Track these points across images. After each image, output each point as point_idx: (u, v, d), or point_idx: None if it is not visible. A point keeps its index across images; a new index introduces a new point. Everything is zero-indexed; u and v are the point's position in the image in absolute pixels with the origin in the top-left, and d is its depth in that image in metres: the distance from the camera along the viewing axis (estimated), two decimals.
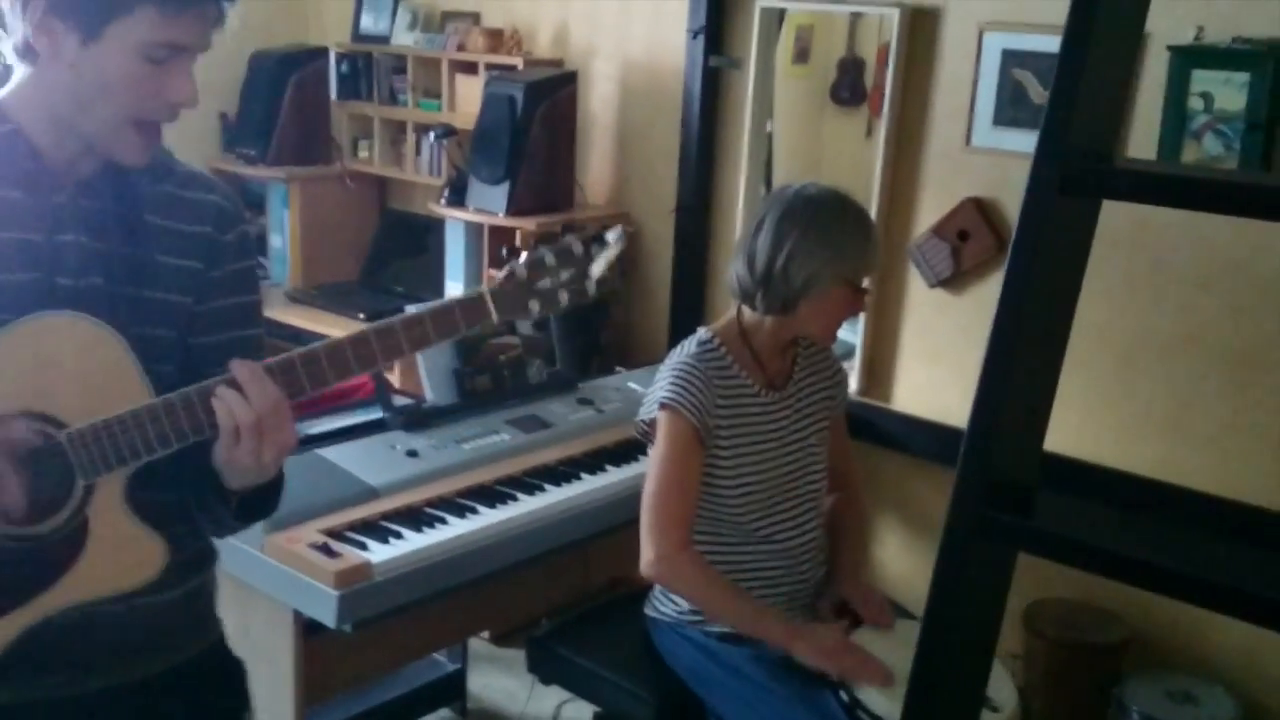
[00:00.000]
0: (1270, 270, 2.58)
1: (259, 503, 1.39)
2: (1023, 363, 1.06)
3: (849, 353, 3.20)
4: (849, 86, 3.44)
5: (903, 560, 3.23)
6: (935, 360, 3.10)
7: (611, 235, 1.44)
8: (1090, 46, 1.05)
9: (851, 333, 3.25)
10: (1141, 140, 2.66)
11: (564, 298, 1.40)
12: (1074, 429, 2.86)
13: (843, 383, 2.39)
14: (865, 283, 2.18)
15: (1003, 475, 1.07)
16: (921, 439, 3.11)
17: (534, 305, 1.39)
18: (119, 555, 1.29)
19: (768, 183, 3.49)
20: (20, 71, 1.30)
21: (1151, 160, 1.16)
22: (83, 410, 1.25)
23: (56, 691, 1.35)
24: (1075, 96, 1.04)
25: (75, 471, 1.25)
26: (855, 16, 3.28)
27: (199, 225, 1.39)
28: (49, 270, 1.28)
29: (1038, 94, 2.84)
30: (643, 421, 2.20)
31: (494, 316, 1.36)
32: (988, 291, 2.99)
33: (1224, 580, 1.01)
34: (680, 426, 2.11)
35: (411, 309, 1.37)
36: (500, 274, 1.39)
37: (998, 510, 1.05)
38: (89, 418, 1.25)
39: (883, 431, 3.17)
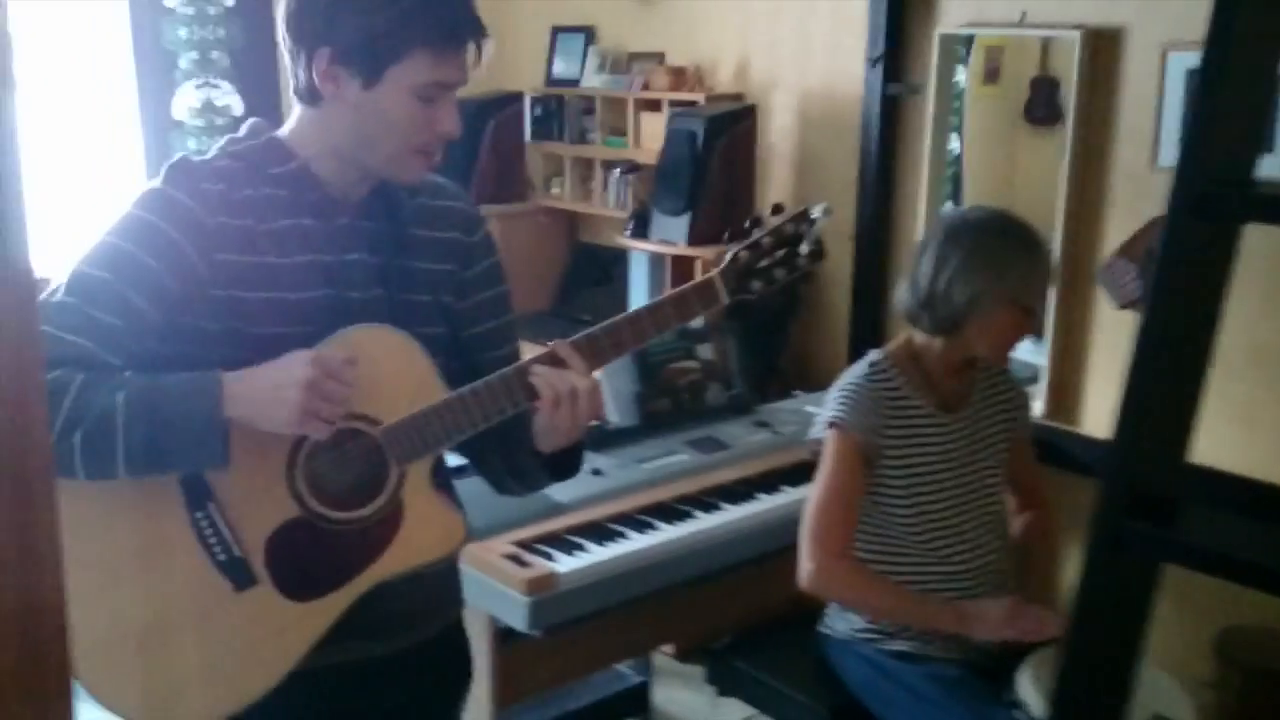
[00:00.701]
0: None
1: (570, 461, 1.56)
2: (1164, 379, 1.09)
3: (1034, 375, 3.17)
4: (1044, 105, 3.41)
5: None
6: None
7: (817, 211, 1.55)
8: (1230, 67, 1.08)
9: (1038, 355, 3.22)
10: None
11: (780, 274, 1.53)
12: (1265, 449, 2.76)
13: (1024, 406, 2.38)
14: (1032, 303, 2.18)
15: (1145, 487, 1.10)
16: None
17: (756, 284, 1.53)
18: (430, 529, 1.47)
19: (956, 203, 3.50)
20: (300, 112, 1.47)
21: None
22: (393, 408, 1.43)
23: (350, 655, 1.51)
24: (1213, 118, 1.07)
25: (390, 461, 1.43)
26: (1046, 36, 3.27)
27: (450, 231, 1.56)
28: (341, 286, 1.46)
29: None
30: (814, 439, 2.27)
31: (724, 299, 1.50)
32: None
33: None
34: (846, 445, 2.17)
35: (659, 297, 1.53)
36: (725, 259, 1.52)
37: (1138, 521, 1.08)
38: (398, 414, 1.42)
39: (1069, 455, 3.13)
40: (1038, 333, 2.29)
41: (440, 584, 1.64)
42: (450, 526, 1.49)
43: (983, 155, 3.57)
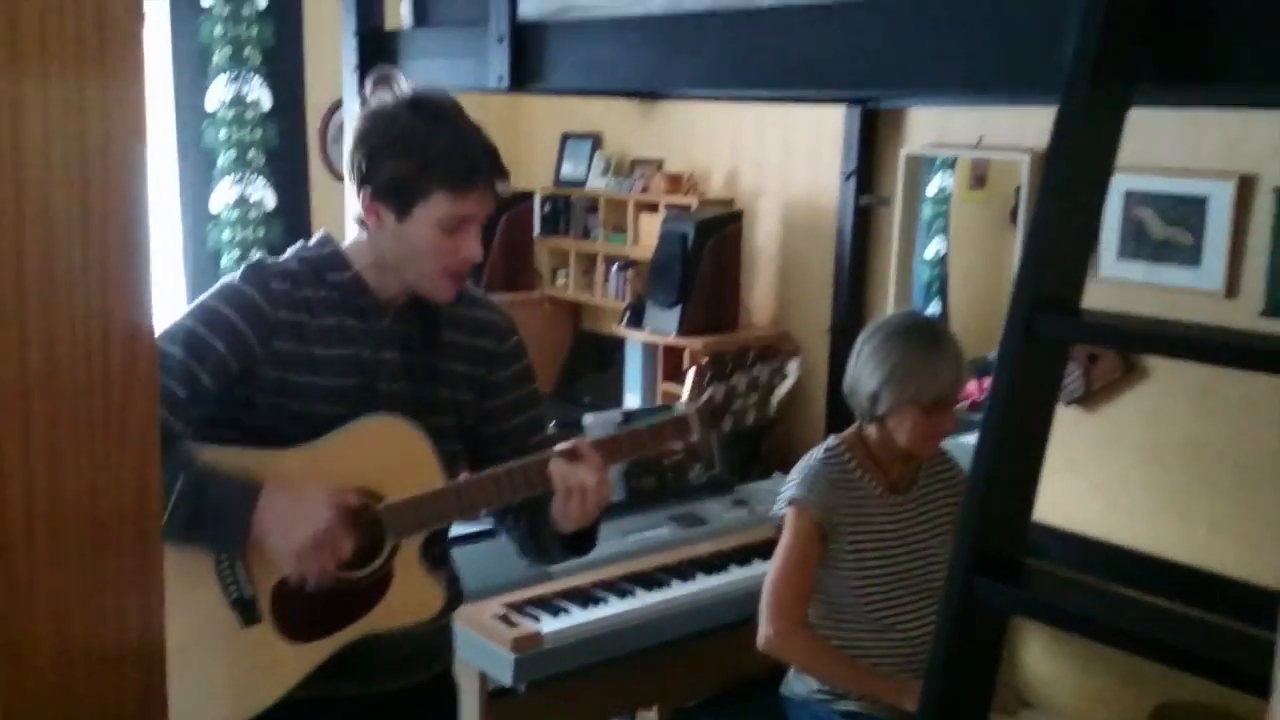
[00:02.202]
0: None
1: (585, 540, 1.82)
2: (1007, 463, 1.37)
3: None
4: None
5: (1045, 663, 3.39)
6: (1072, 473, 3.30)
7: (791, 367, 1.84)
8: (1057, 212, 1.38)
9: None
10: (1253, 272, 2.87)
11: (750, 417, 1.81)
12: (1200, 540, 3.01)
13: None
14: (935, 405, 2.34)
15: (994, 549, 1.38)
16: (1059, 548, 3.29)
17: (727, 423, 1.81)
18: (412, 597, 1.73)
19: (943, 302, 3.78)
20: (357, 231, 1.78)
21: (1108, 312, 1.45)
22: (395, 488, 1.69)
23: (342, 691, 1.76)
24: (1042, 256, 1.37)
25: (386, 533, 1.69)
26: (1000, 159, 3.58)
27: (481, 339, 1.83)
28: (371, 378, 1.73)
29: (1158, 230, 3.07)
30: (776, 516, 2.52)
31: (695, 433, 1.77)
32: (1117, 410, 3.19)
33: (1194, 648, 1.27)
34: (803, 521, 2.41)
35: (584, 429, 1.80)
36: (702, 397, 1.79)
37: (987, 578, 1.36)
38: (399, 494, 1.69)
39: None
40: (952, 429, 2.41)
41: (431, 638, 1.88)
42: (428, 599, 1.74)
43: (968, 257, 3.85)
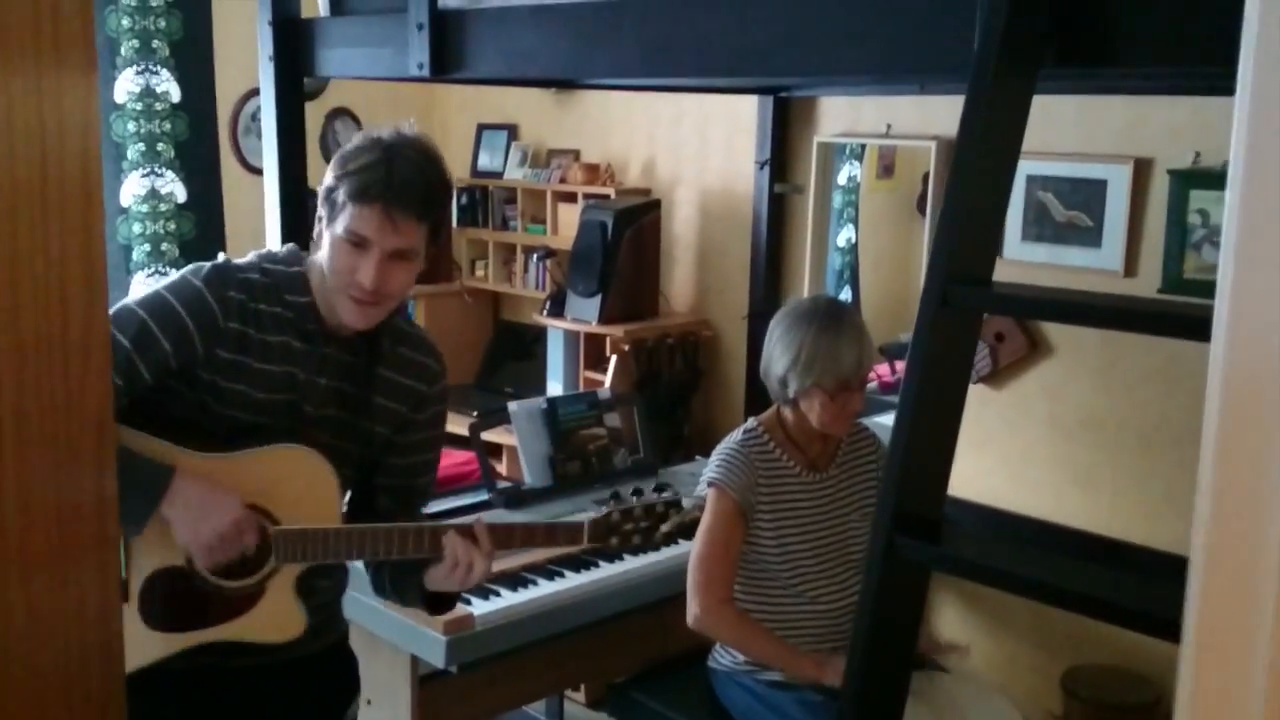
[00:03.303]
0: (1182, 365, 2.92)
1: (448, 602, 1.91)
2: (924, 428, 1.45)
3: None
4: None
5: (958, 628, 3.51)
6: (981, 448, 3.42)
7: (687, 503, 1.95)
8: (967, 189, 1.45)
9: None
10: (1150, 252, 3.01)
11: (636, 540, 1.92)
12: (1105, 509, 3.15)
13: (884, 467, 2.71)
14: (837, 387, 2.40)
15: (914, 509, 1.45)
16: (970, 520, 3.42)
17: (614, 540, 1.90)
18: (275, 618, 1.77)
19: (855, 289, 3.87)
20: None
21: (1018, 284, 1.54)
22: (292, 516, 1.73)
23: (215, 664, 1.79)
24: (956, 231, 1.44)
25: (273, 554, 1.73)
26: (907, 145, 3.69)
27: (413, 381, 1.88)
28: (301, 397, 1.77)
29: (1059, 212, 3.20)
30: (697, 497, 2.58)
31: (584, 542, 1.89)
32: (1023, 386, 3.32)
33: (1084, 591, 1.36)
34: (723, 502, 2.47)
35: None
36: (599, 512, 1.89)
37: (908, 537, 1.43)
38: (294, 523, 1.73)
39: None
40: (859, 409, 2.48)
41: (318, 617, 1.89)
42: (289, 623, 1.78)
43: (877, 244, 3.95)
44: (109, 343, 0.87)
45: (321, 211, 1.75)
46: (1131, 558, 3.07)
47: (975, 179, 1.46)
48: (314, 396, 1.78)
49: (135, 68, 4.13)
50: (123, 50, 4.10)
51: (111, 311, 1.69)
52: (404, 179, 1.70)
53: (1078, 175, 3.14)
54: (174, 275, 1.77)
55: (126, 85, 4.14)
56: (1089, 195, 3.13)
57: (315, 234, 1.77)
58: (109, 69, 4.10)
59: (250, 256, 1.82)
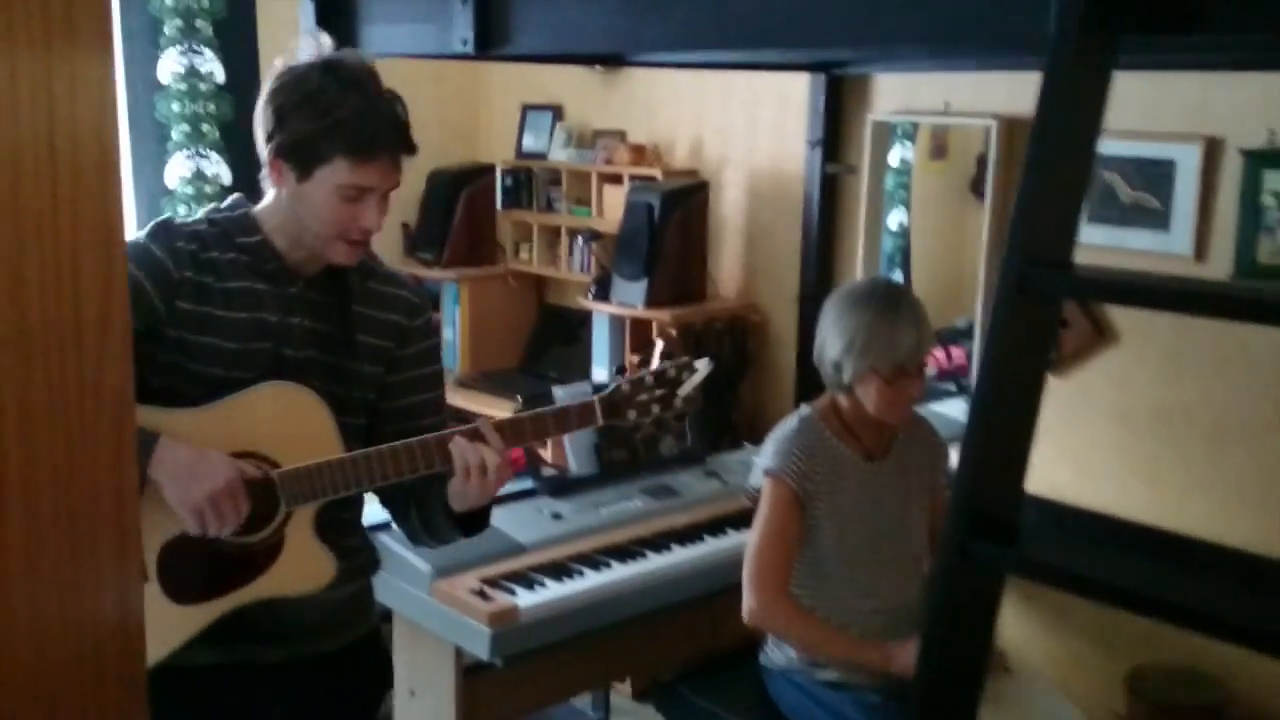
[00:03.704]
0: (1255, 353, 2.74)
1: (478, 520, 1.82)
2: (1000, 424, 1.36)
3: (959, 431, 3.43)
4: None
5: (1018, 628, 3.41)
6: (1042, 439, 3.29)
7: (700, 364, 1.84)
8: (1047, 168, 1.36)
9: (965, 413, 3.49)
10: (1221, 235, 2.88)
11: (655, 410, 1.83)
12: (1172, 503, 3.03)
13: (943, 456, 2.61)
14: (895, 372, 2.31)
15: (989, 510, 1.36)
16: (1031, 514, 3.30)
17: (631, 414, 1.82)
18: (302, 566, 1.71)
19: (906, 273, 3.77)
20: (269, 193, 1.76)
21: (1101, 267, 1.44)
22: (292, 455, 1.68)
23: (244, 658, 1.75)
24: (1036, 205, 1.35)
25: (280, 499, 1.67)
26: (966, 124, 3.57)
27: (392, 313, 1.82)
28: (278, 343, 1.71)
29: (1124, 193, 3.07)
30: (751, 488, 2.51)
31: (600, 421, 1.79)
32: (1087, 375, 3.20)
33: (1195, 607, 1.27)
34: (780, 491, 2.40)
35: (555, 401, 1.80)
36: (609, 387, 1.81)
37: (983, 540, 1.34)
38: (296, 462, 1.67)
39: None
40: (918, 396, 2.39)
41: (351, 602, 1.86)
42: (318, 569, 1.72)
43: (930, 227, 3.84)
44: (129, 327, 0.83)
45: (284, 162, 1.67)
46: (1196, 554, 2.95)
47: (1054, 156, 1.36)
48: (291, 339, 1.72)
49: (179, 47, 4.10)
50: (166, 29, 4.07)
51: None
52: (396, 119, 1.69)
53: (1144, 155, 3.01)
54: None
55: (170, 65, 4.11)
56: (1156, 175, 3.00)
57: (274, 182, 1.70)
58: (152, 48, 4.07)
59: (197, 213, 1.78)
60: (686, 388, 1.81)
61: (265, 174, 1.72)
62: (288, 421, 1.68)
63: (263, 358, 1.70)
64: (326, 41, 1.73)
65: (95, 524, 0.83)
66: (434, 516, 1.80)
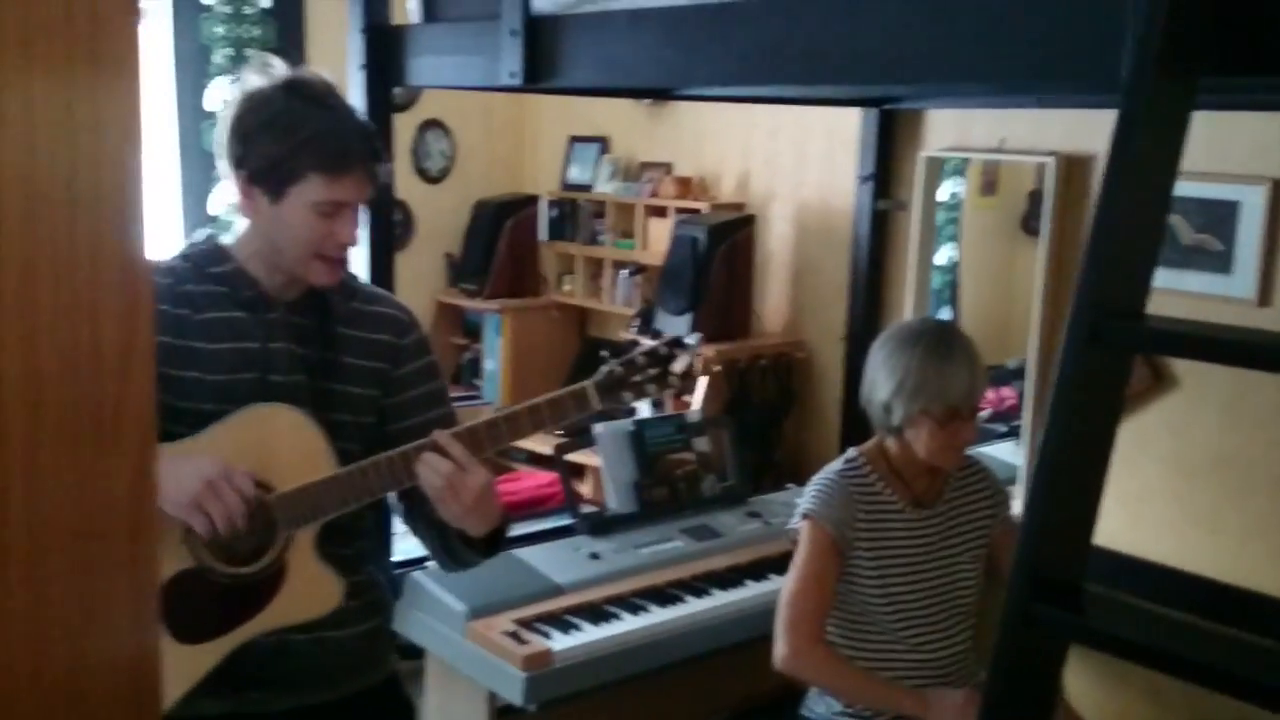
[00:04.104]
0: None
1: (492, 541, 1.76)
2: (1067, 483, 1.28)
3: (1013, 476, 3.34)
4: (1040, 218, 3.59)
5: (1070, 679, 3.29)
6: None
7: (690, 339, 1.78)
8: (1122, 212, 1.29)
9: (1016, 455, 3.40)
10: None
11: (651, 390, 1.74)
12: (1231, 554, 2.92)
13: (1002, 503, 2.49)
14: (947, 414, 2.23)
15: (1053, 573, 1.28)
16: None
17: (627, 396, 1.74)
18: (308, 591, 1.66)
19: (954, 310, 3.69)
20: (240, 221, 1.73)
21: (1175, 318, 1.36)
22: (286, 478, 1.63)
23: (254, 707, 1.70)
24: (1107, 259, 1.28)
25: (279, 524, 1.63)
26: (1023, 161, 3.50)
27: (380, 333, 1.78)
28: (263, 370, 1.67)
29: (1187, 235, 2.98)
30: (793, 529, 2.43)
31: (594, 405, 1.72)
32: (1146, 420, 3.10)
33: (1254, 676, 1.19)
34: (818, 535, 2.32)
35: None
36: (601, 371, 1.73)
37: (1048, 604, 1.26)
38: (291, 484, 1.63)
39: None
40: (971, 440, 2.30)
41: (362, 643, 1.79)
42: (326, 592, 1.67)
43: (980, 263, 3.77)
44: (151, 363, 0.80)
45: (255, 187, 1.64)
46: (1258, 608, 2.84)
47: (1128, 201, 1.29)
48: (276, 364, 1.68)
49: (228, 76, 4.11)
50: (216, 58, 4.09)
51: None
52: (364, 130, 1.68)
53: (1207, 196, 2.92)
54: None
55: (219, 93, 4.12)
56: (1219, 217, 2.91)
57: (243, 207, 1.67)
58: (201, 77, 4.09)
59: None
60: (680, 364, 1.74)
61: (236, 205, 1.70)
62: (279, 443, 1.64)
63: (249, 387, 1.66)
64: (278, 64, 1.70)
65: (110, 565, 0.79)
66: (448, 539, 1.75)
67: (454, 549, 1.76)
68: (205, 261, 1.70)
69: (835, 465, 2.43)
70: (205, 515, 1.55)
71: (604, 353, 1.80)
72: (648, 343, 1.77)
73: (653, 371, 1.73)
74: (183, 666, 1.62)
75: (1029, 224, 3.53)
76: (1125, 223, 1.29)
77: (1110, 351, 1.26)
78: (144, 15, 3.96)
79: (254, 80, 1.67)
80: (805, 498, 2.39)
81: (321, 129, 1.62)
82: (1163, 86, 1.29)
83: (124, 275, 0.76)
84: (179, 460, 1.55)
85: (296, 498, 1.63)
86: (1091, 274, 1.28)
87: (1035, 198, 3.49)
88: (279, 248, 1.67)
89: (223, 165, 1.68)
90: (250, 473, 1.60)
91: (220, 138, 1.68)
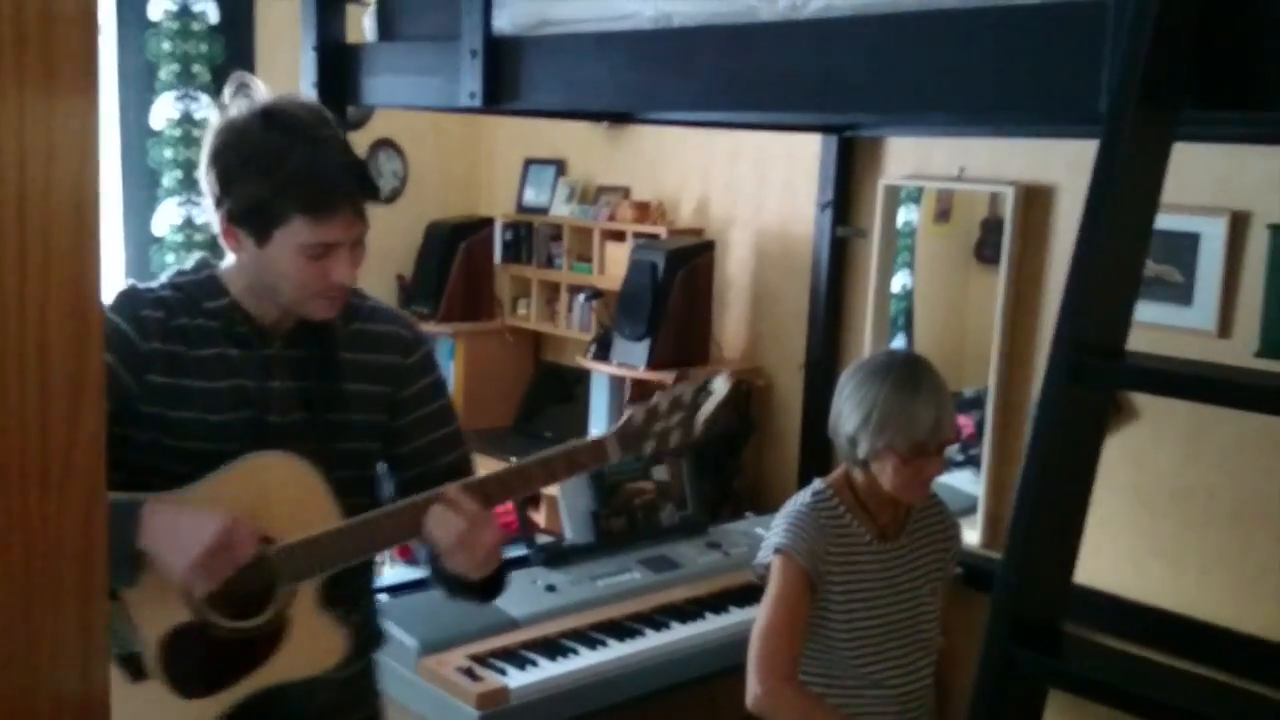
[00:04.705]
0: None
1: (495, 584, 1.71)
2: (1045, 522, 1.24)
3: (972, 506, 3.32)
4: (993, 245, 3.59)
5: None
6: None
7: (717, 383, 1.69)
8: (1102, 247, 1.26)
9: (975, 485, 3.38)
10: (1246, 312, 2.79)
11: (675, 438, 1.67)
12: (1190, 587, 2.92)
13: (956, 537, 2.48)
14: (913, 451, 2.18)
15: (1032, 615, 1.24)
16: None
17: (648, 445, 1.66)
18: (311, 645, 1.59)
19: (909, 336, 3.68)
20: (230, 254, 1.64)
21: (1157, 355, 1.34)
22: (287, 530, 1.55)
23: None
24: (1087, 294, 1.25)
25: (279, 579, 1.55)
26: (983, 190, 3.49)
27: (385, 354, 1.70)
28: (260, 410, 1.60)
29: (1148, 267, 2.97)
30: (760, 565, 2.38)
31: (613, 457, 1.64)
32: (1107, 452, 3.06)
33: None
34: (792, 570, 2.27)
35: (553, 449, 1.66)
36: (620, 420, 1.66)
37: (1026, 648, 1.22)
38: (292, 536, 1.55)
39: None
40: (936, 474, 2.26)
41: (352, 683, 1.74)
42: (328, 647, 1.60)
43: (934, 291, 3.76)
44: (103, 404, 0.74)
45: (239, 228, 1.55)
46: (1214, 641, 2.83)
47: (1109, 236, 1.26)
48: (275, 404, 1.60)
49: (174, 93, 4.02)
50: (162, 74, 4.00)
51: None
52: (350, 164, 1.56)
53: (1167, 227, 2.91)
54: None
55: (165, 111, 4.03)
56: (1179, 249, 2.91)
57: (228, 245, 1.58)
58: (147, 93, 3.99)
59: (160, 278, 1.65)
60: (705, 411, 1.66)
61: (220, 239, 1.61)
62: (279, 493, 1.57)
63: (246, 427, 1.58)
64: (258, 87, 1.59)
65: (58, 604, 0.74)
66: (445, 579, 1.69)
67: (451, 587, 1.71)
68: (199, 294, 1.61)
69: (804, 498, 2.38)
70: (206, 579, 1.48)
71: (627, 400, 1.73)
72: (673, 389, 1.68)
73: (676, 419, 1.65)
74: None
75: (983, 251, 3.54)
76: (1105, 257, 1.26)
77: (1090, 389, 1.22)
78: (101, 30, 3.87)
79: (231, 108, 1.57)
80: (776, 532, 2.34)
81: (303, 167, 1.50)
82: (1144, 117, 1.27)
83: (76, 312, 0.71)
84: (181, 518, 1.48)
85: (299, 551, 1.55)
86: (1071, 311, 1.25)
87: (988, 225, 3.49)
88: (273, 286, 1.58)
89: (205, 201, 1.59)
90: (253, 531, 1.52)
91: (200, 170, 1.59)
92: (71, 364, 0.72)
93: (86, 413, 0.73)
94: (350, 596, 1.70)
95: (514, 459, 4.00)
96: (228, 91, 1.60)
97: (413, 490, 1.63)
